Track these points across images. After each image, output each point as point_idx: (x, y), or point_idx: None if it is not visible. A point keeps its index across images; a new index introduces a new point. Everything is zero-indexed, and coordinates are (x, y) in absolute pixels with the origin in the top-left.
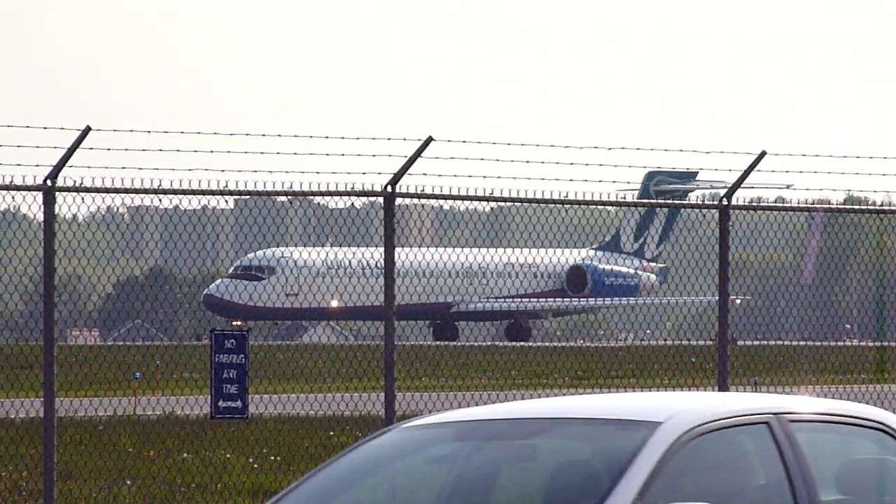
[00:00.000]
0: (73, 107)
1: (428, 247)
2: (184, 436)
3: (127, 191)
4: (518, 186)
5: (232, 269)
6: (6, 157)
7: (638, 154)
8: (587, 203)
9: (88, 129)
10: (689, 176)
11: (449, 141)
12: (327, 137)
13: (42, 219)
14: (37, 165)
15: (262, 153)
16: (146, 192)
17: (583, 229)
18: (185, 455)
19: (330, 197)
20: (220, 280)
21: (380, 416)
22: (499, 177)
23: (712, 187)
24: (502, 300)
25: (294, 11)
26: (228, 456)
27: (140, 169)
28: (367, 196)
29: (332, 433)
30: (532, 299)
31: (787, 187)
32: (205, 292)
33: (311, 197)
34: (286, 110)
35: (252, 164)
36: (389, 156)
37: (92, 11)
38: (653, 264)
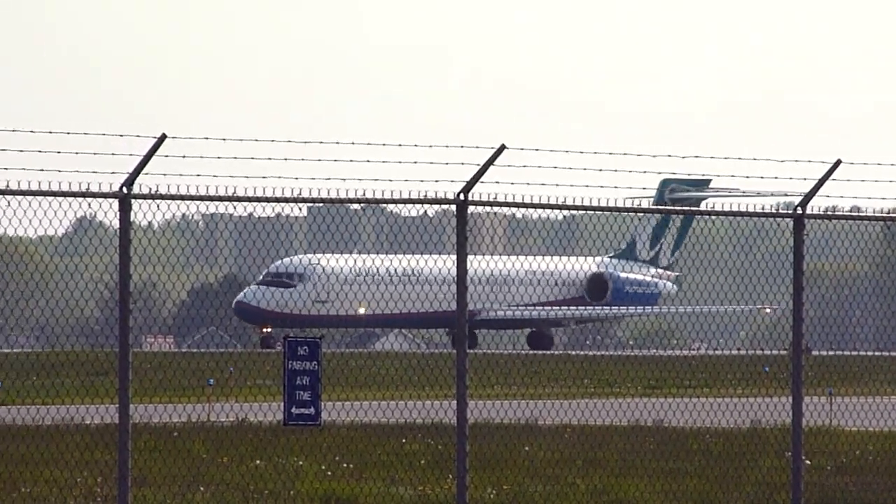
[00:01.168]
0: (148, 115)
1: (449, 254)
2: (257, 442)
3: (202, 198)
4: (591, 194)
5: (262, 275)
6: (82, 164)
7: (712, 162)
8: (658, 211)
9: (164, 136)
10: (703, 183)
11: (521, 149)
12: (400, 145)
13: (118, 226)
14: (112, 173)
15: (335, 161)
16: (221, 199)
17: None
18: (258, 462)
19: (402, 205)
20: (250, 287)
21: (451, 424)
22: (572, 185)
23: (729, 194)
24: (525, 308)
25: (366, 20)
26: (301, 463)
27: (215, 176)
28: (440, 204)
29: (404, 440)
30: (555, 307)
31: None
32: (235, 299)
33: (384, 205)
34: (360, 118)
35: (325, 171)
36: (462, 164)
37: (167, 20)
38: (668, 272)
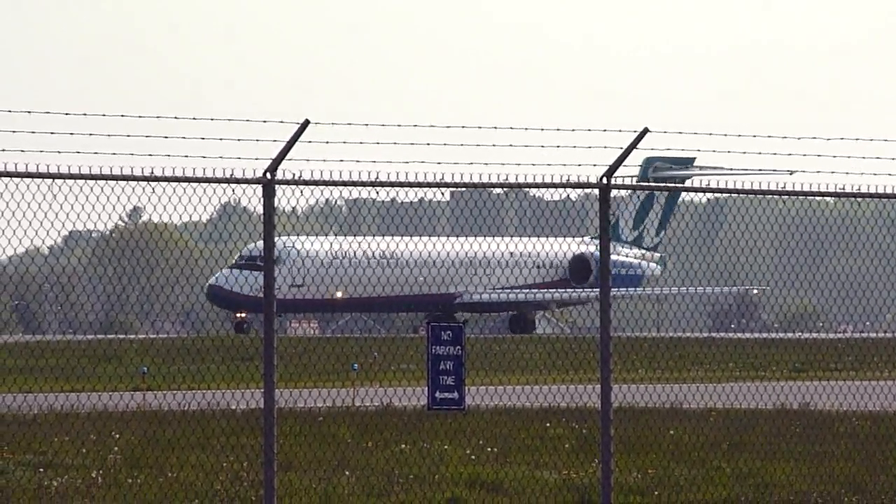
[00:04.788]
0: (292, 100)
1: (439, 236)
2: (401, 427)
3: (345, 183)
4: (734, 178)
5: (235, 259)
6: (227, 150)
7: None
8: (808, 194)
9: (307, 122)
10: (687, 161)
11: (664, 132)
12: (542, 129)
13: (262, 212)
14: (256, 159)
15: (477, 145)
16: (364, 184)
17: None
18: (403, 446)
19: (545, 189)
20: (223, 270)
21: (596, 409)
22: (715, 168)
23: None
24: (507, 291)
25: (506, 5)
26: (446, 447)
27: (358, 161)
28: (583, 188)
29: (548, 425)
30: (538, 290)
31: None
32: (208, 283)
33: (527, 189)
34: (502, 102)
35: (468, 156)
36: (605, 147)
37: (309, 7)
38: (653, 253)
